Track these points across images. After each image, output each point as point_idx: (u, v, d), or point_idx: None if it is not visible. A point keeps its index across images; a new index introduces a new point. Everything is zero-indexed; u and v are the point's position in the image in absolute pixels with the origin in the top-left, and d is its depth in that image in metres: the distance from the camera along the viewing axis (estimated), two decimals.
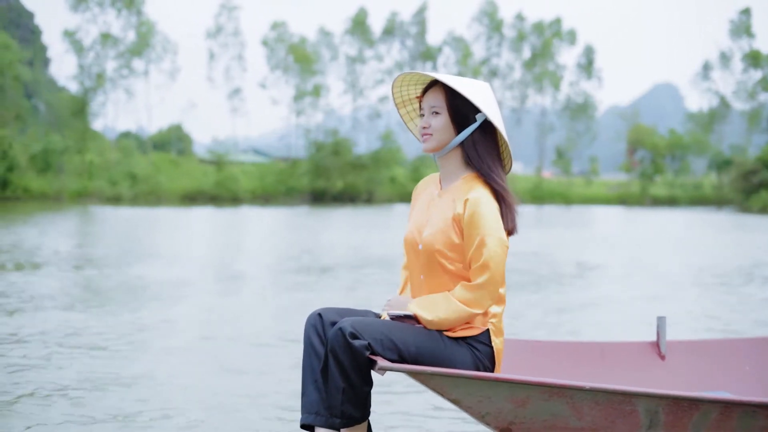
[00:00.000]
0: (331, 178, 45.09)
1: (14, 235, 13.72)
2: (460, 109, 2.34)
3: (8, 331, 5.09)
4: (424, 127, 2.39)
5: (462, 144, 2.36)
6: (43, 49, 57.04)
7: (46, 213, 23.70)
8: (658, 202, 51.09)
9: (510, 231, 2.31)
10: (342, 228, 19.60)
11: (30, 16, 60.60)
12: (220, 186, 42.88)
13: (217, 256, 11.64)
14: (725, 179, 50.31)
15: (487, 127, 2.36)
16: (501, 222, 2.26)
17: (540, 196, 50.19)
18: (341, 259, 10.75)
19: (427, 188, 2.51)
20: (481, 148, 2.34)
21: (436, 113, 2.37)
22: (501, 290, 2.33)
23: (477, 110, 2.34)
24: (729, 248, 14.32)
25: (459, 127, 2.36)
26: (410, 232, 2.42)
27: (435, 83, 2.40)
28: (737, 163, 44.81)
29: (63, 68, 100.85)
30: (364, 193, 44.98)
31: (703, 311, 6.67)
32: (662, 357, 2.98)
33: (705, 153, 54.03)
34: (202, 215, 26.26)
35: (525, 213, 34.03)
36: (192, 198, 41.35)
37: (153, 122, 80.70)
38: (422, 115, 2.42)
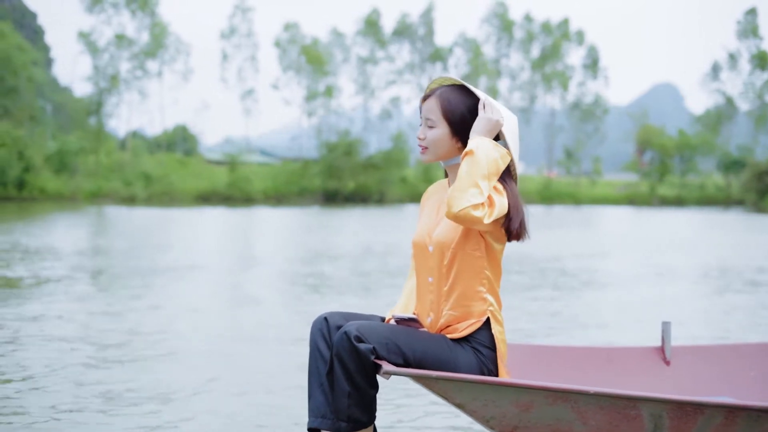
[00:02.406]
0: (343, 179, 45.27)
1: (55, 236, 14.32)
2: (459, 119, 2.34)
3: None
4: (420, 139, 2.39)
5: None
6: (46, 49, 57.26)
7: (68, 214, 23.98)
8: (666, 202, 51.23)
9: (519, 236, 2.32)
10: (353, 227, 19.66)
11: (33, 16, 60.92)
12: (233, 186, 43.19)
13: (239, 253, 11.80)
14: (733, 179, 50.75)
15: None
16: (501, 208, 2.24)
17: (549, 196, 50.34)
18: (350, 257, 10.80)
19: (435, 193, 2.52)
20: None
21: (431, 126, 2.37)
22: (494, 278, 2.33)
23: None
24: (751, 248, 14.25)
25: (460, 136, 2.35)
26: (419, 235, 2.43)
27: (434, 92, 2.38)
28: (751, 163, 44.78)
29: (74, 69, 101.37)
30: (376, 193, 45.09)
31: (721, 313, 6.66)
32: (667, 362, 2.99)
33: (712, 153, 54.19)
34: (219, 215, 26.52)
35: (535, 213, 33.87)
36: (205, 198, 41.67)
37: (158, 123, 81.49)
38: (421, 123, 2.42)
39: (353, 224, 21.84)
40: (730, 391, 2.96)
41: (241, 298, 7.26)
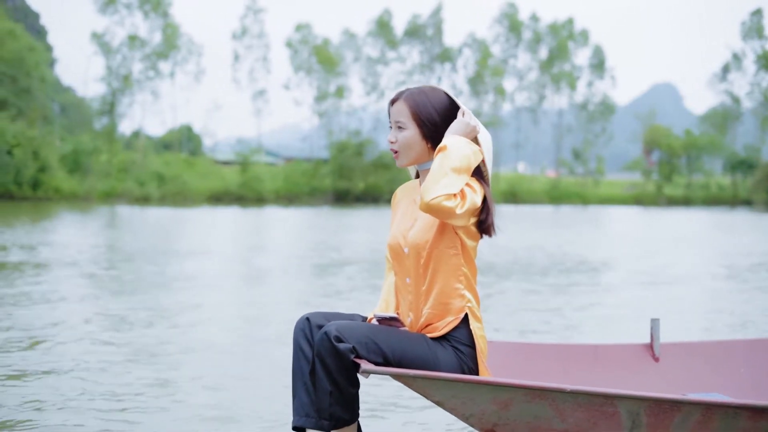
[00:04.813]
0: (353, 179, 45.46)
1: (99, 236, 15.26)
2: (428, 120, 2.36)
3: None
4: (391, 142, 2.41)
5: None
6: (49, 49, 57.55)
7: (90, 214, 24.29)
8: (672, 202, 51.46)
9: (489, 231, 2.36)
10: (362, 227, 19.74)
11: (36, 16, 61.12)
12: (245, 186, 43.45)
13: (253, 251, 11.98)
14: (741, 179, 51.01)
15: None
16: (473, 202, 2.27)
17: (557, 196, 50.53)
18: (357, 256, 10.86)
19: (407, 195, 2.53)
20: None
21: (401, 128, 2.39)
22: (471, 275, 2.36)
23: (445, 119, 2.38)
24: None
25: (431, 138, 2.38)
26: (393, 237, 2.45)
27: (400, 96, 2.42)
28: (762, 164, 44.98)
29: (87, 70, 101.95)
30: (386, 193, 45.18)
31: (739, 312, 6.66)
32: (656, 359, 3.00)
33: (719, 153, 54.36)
34: (234, 215, 26.86)
35: (543, 213, 34.00)
36: (218, 198, 41.95)
37: (161, 124, 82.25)
38: (391, 127, 2.44)
39: (366, 223, 21.90)
40: (719, 388, 2.97)
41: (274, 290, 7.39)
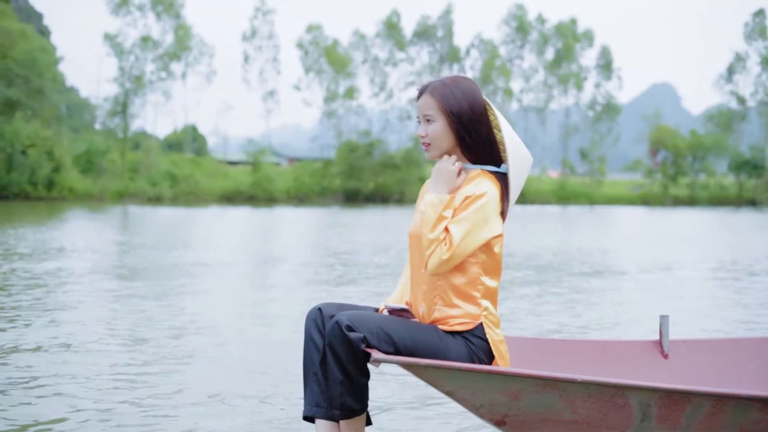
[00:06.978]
0: (363, 179, 45.58)
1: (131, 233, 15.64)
2: (455, 108, 2.36)
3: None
4: (422, 136, 2.41)
5: (465, 150, 2.40)
6: (52, 50, 57.53)
7: (109, 214, 24.51)
8: (678, 202, 51.47)
9: (502, 214, 2.38)
10: (372, 225, 19.80)
11: (39, 16, 61.31)
12: (256, 186, 43.63)
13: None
14: (746, 179, 51.25)
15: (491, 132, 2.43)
16: (485, 224, 2.30)
17: (565, 196, 50.53)
18: (362, 252, 10.90)
19: None
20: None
21: (429, 120, 2.39)
22: (493, 284, 2.36)
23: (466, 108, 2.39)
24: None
25: (459, 129, 2.37)
26: (415, 226, 2.46)
27: (426, 89, 2.42)
28: None
29: (99, 70, 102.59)
30: (396, 193, 45.26)
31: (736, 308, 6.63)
32: (665, 356, 2.99)
33: (724, 154, 54.40)
34: (247, 214, 27.02)
35: (551, 213, 33.92)
36: (229, 198, 42.14)
37: (162, 124, 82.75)
38: (419, 122, 2.44)
39: (376, 221, 21.95)
40: (728, 385, 2.95)
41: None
